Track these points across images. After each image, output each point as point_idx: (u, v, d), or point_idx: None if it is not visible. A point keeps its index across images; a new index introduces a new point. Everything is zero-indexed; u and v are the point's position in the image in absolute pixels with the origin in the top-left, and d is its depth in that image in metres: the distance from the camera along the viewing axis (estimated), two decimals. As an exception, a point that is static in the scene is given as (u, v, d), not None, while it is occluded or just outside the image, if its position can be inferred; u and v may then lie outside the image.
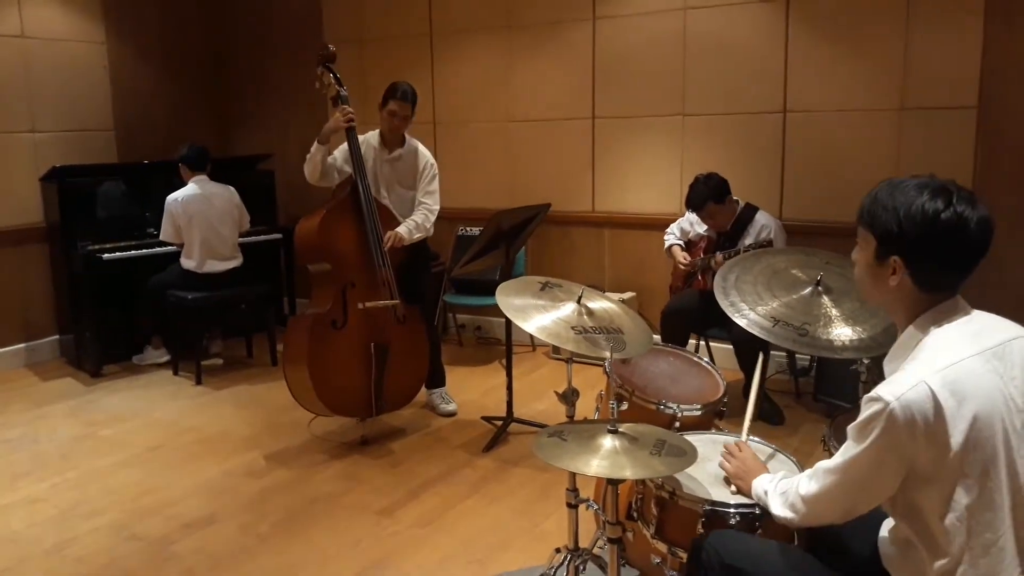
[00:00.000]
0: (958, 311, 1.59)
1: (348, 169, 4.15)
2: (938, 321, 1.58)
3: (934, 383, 1.47)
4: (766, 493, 1.86)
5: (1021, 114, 4.26)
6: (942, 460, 1.47)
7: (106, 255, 5.34)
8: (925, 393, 1.47)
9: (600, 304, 2.47)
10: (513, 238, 4.18)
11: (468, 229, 5.83)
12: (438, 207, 4.34)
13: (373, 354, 4.00)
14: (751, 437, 2.37)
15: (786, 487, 1.79)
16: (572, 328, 2.29)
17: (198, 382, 5.21)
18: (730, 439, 2.42)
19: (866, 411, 1.53)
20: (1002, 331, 1.60)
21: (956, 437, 1.46)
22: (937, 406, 1.46)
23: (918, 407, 1.46)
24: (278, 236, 6.21)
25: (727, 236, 4.44)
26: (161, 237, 5.29)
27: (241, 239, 5.54)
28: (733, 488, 2.07)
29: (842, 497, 1.63)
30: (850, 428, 1.59)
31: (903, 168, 4.52)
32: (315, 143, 4.11)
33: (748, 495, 1.98)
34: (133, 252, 5.47)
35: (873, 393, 1.52)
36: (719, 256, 4.26)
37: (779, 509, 1.78)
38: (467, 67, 5.92)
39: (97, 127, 6.04)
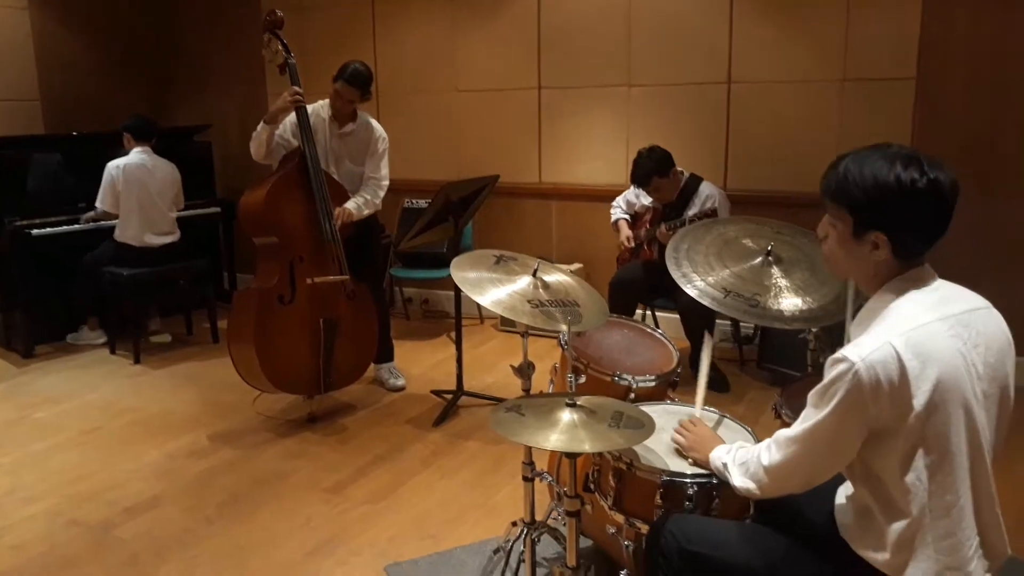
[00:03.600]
0: (926, 278, 1.60)
1: (295, 142, 4.03)
2: (906, 287, 1.59)
3: (898, 344, 1.49)
4: (725, 466, 1.86)
5: (957, 85, 4.35)
6: (904, 420, 1.49)
7: (35, 231, 5.13)
8: (890, 353, 1.48)
9: (555, 277, 2.45)
10: (462, 210, 4.13)
11: (414, 201, 5.75)
12: (387, 182, 4.27)
13: (322, 330, 3.92)
14: (710, 408, 2.39)
15: (745, 457, 1.80)
16: (528, 302, 2.27)
17: (136, 361, 5.06)
18: (685, 411, 2.44)
19: (830, 373, 1.54)
20: (967, 300, 1.62)
21: (919, 398, 1.48)
22: (901, 367, 1.48)
23: (883, 367, 1.48)
24: (217, 210, 6.04)
25: (672, 207, 4.47)
26: (97, 204, 5.10)
27: (178, 212, 5.37)
28: (690, 460, 2.08)
29: (807, 464, 1.64)
30: (811, 394, 1.60)
31: (845, 138, 4.59)
32: (261, 122, 3.98)
33: (705, 467, 2.00)
34: (64, 228, 5.25)
35: (838, 354, 1.53)
36: (663, 227, 4.28)
37: (740, 480, 1.78)
38: (411, 36, 5.80)
39: (21, 96, 5.77)
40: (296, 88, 3.92)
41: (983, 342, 1.56)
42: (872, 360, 1.48)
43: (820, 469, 1.64)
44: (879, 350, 1.49)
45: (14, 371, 4.99)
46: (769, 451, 1.71)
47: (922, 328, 1.52)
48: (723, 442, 2.01)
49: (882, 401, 1.49)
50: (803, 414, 1.62)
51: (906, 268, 1.60)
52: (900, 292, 1.58)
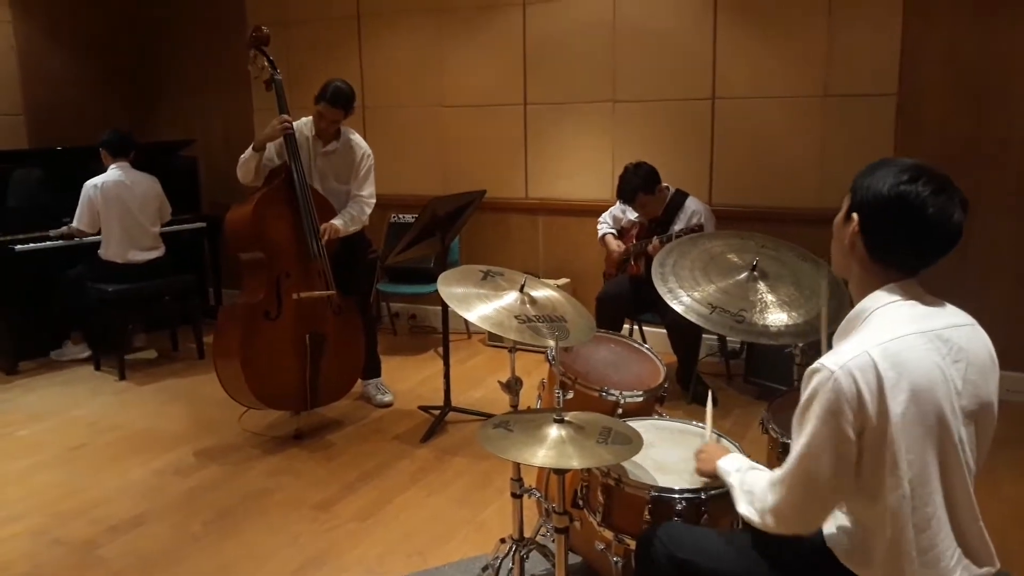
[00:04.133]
0: (910, 293, 1.61)
1: (279, 160, 4.03)
2: (888, 299, 1.60)
3: (875, 354, 1.50)
4: (734, 486, 1.81)
5: (937, 101, 4.41)
6: (883, 431, 1.49)
7: (18, 246, 5.09)
8: (867, 362, 1.49)
9: (542, 292, 2.46)
10: (448, 225, 4.13)
11: (401, 216, 5.75)
12: (374, 200, 4.27)
13: (308, 346, 3.91)
14: (697, 423, 2.40)
15: (751, 485, 1.75)
16: (516, 317, 2.27)
17: (121, 377, 5.02)
18: (673, 427, 2.45)
19: (809, 384, 1.54)
20: (950, 316, 1.63)
21: (895, 408, 1.49)
22: (878, 376, 1.48)
23: (861, 375, 1.48)
24: (202, 225, 6.02)
25: (659, 222, 4.49)
26: (74, 223, 5.04)
27: (163, 228, 5.35)
28: (704, 481, 2.06)
29: (804, 497, 1.60)
30: (794, 418, 1.59)
31: (827, 153, 4.65)
32: (249, 149, 3.98)
33: (711, 475, 1.98)
34: (48, 243, 5.21)
35: (816, 364, 1.54)
36: (656, 241, 4.30)
37: (745, 509, 1.73)
38: (397, 51, 5.82)
39: (5, 111, 5.74)
40: (285, 116, 3.92)
41: (964, 358, 1.57)
42: (850, 368, 1.49)
43: (818, 501, 1.60)
44: (857, 358, 1.50)
45: (-4, 388, 4.95)
46: (769, 492, 1.67)
47: (899, 340, 1.53)
48: (728, 452, 1.98)
49: (863, 409, 1.49)
50: (791, 452, 1.60)
51: (890, 278, 1.61)
52: (882, 303, 1.59)
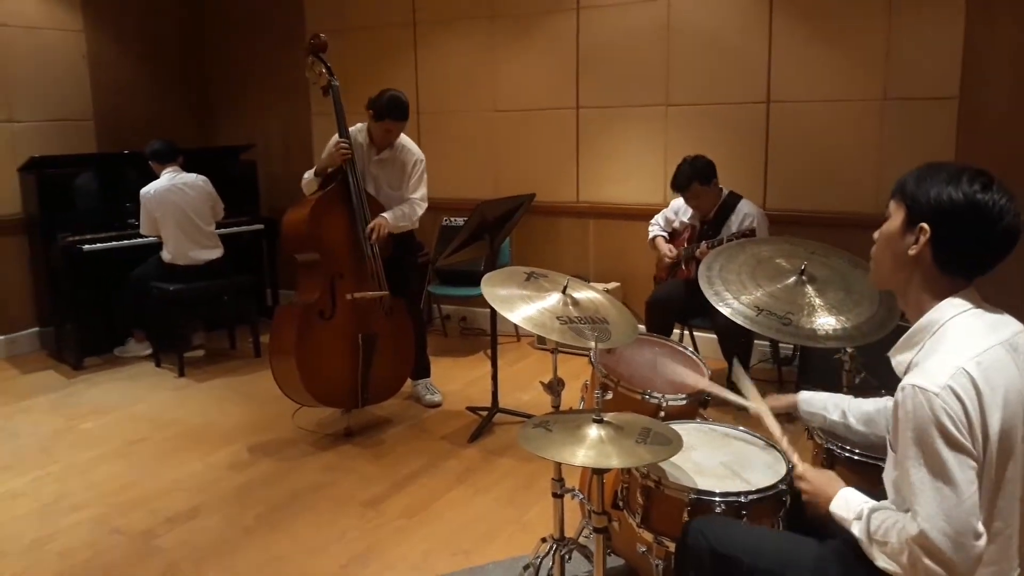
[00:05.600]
0: (974, 301, 1.57)
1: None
2: (957, 309, 1.55)
3: (972, 370, 1.45)
4: (860, 540, 1.62)
5: (1000, 106, 4.29)
6: (983, 448, 1.44)
7: (86, 247, 5.29)
8: (966, 380, 1.44)
9: (585, 294, 2.47)
10: (497, 229, 4.17)
11: (452, 219, 5.81)
12: (426, 203, 4.31)
13: (360, 345, 3.98)
14: (741, 428, 2.39)
15: (884, 535, 1.55)
16: (557, 318, 2.29)
17: (181, 374, 5.17)
18: (718, 430, 2.44)
19: (906, 406, 1.46)
20: (1012, 323, 1.59)
21: (994, 426, 1.45)
22: (978, 392, 1.44)
23: (965, 393, 1.43)
24: (260, 227, 6.17)
25: (710, 224, 4.46)
26: (141, 231, 5.26)
27: (222, 230, 5.51)
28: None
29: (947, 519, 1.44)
30: (899, 443, 1.50)
31: (885, 158, 4.55)
32: (311, 173, 4.10)
33: (816, 509, 1.81)
34: (114, 243, 5.41)
35: (910, 384, 1.46)
36: (704, 245, 4.26)
37: (886, 563, 1.54)
38: (451, 57, 5.89)
39: (76, 117, 5.97)
40: (343, 142, 3.98)
41: None
42: (952, 385, 1.43)
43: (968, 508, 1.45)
44: (955, 376, 1.44)
45: (64, 382, 5.13)
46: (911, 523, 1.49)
47: (987, 353, 1.48)
48: (842, 483, 1.79)
49: (971, 429, 1.43)
50: (911, 478, 1.47)
51: (954, 288, 1.56)
52: (953, 313, 1.55)
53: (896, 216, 1.60)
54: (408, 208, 4.22)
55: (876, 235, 1.67)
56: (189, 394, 4.89)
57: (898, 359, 1.63)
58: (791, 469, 2.12)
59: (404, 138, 4.31)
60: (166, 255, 5.23)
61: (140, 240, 5.41)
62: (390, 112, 4.05)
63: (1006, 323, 1.58)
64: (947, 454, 1.42)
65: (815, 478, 1.84)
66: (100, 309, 5.50)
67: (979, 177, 1.52)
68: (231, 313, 5.69)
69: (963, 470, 1.42)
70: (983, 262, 1.55)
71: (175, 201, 5.18)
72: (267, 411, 4.47)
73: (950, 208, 1.51)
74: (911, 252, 1.56)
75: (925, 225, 1.54)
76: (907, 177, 1.60)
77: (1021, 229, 1.51)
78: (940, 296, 1.57)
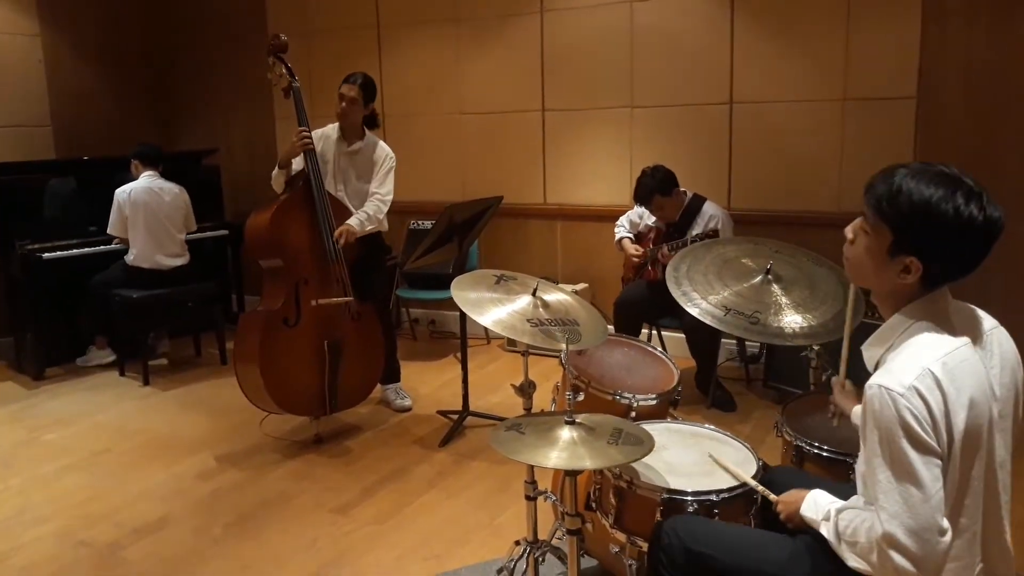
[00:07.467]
0: (945, 300, 1.59)
1: (299, 164, 4.09)
2: (928, 310, 1.56)
3: (937, 370, 1.46)
4: (830, 540, 1.64)
5: (956, 104, 4.37)
6: (948, 447, 1.46)
7: (46, 255, 5.19)
8: (931, 380, 1.45)
9: (555, 296, 2.48)
10: (466, 231, 4.16)
11: (420, 223, 5.79)
12: (391, 197, 4.28)
13: (327, 352, 3.95)
14: (707, 425, 2.40)
15: (853, 535, 1.58)
16: (528, 321, 2.29)
17: (145, 383, 5.09)
18: (688, 430, 2.45)
19: (873, 404, 1.47)
20: (983, 320, 1.61)
21: (959, 425, 1.46)
22: (943, 393, 1.45)
23: (929, 393, 1.44)
24: (224, 232, 6.09)
25: (676, 227, 4.49)
26: (108, 230, 5.19)
27: (187, 236, 5.43)
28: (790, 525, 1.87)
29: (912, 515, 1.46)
30: (866, 440, 1.52)
31: (847, 157, 4.62)
32: (276, 168, 4.06)
33: (796, 522, 1.81)
34: (74, 251, 5.31)
35: (875, 383, 1.47)
36: (665, 248, 4.30)
37: (856, 562, 1.57)
38: (416, 59, 5.88)
39: (33, 123, 5.86)
40: (303, 130, 3.96)
41: (998, 363, 1.56)
42: (916, 386, 1.44)
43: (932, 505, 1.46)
44: (920, 377, 1.45)
45: (25, 393, 5.03)
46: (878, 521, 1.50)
47: (953, 353, 1.49)
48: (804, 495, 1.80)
49: (936, 429, 1.44)
50: (878, 476, 1.48)
51: (929, 291, 1.58)
52: (922, 314, 1.56)
53: (880, 237, 1.55)
54: (372, 208, 4.17)
55: (849, 234, 1.64)
56: (154, 403, 4.81)
57: (869, 353, 1.65)
58: (762, 467, 2.14)
59: (378, 138, 4.32)
60: (130, 257, 5.16)
61: (102, 247, 5.33)
62: (346, 78, 4.10)
63: (977, 319, 1.60)
64: (913, 454, 1.44)
65: (785, 496, 1.87)
66: (61, 318, 5.40)
67: (968, 193, 1.47)
68: (196, 320, 5.62)
69: (928, 468, 1.44)
70: (969, 269, 1.55)
71: (149, 203, 5.14)
72: (234, 419, 4.41)
73: (940, 229, 1.47)
74: (902, 281, 1.55)
75: (917, 261, 1.52)
76: (881, 188, 1.53)
77: (1001, 228, 1.49)
78: (912, 296, 1.58)
